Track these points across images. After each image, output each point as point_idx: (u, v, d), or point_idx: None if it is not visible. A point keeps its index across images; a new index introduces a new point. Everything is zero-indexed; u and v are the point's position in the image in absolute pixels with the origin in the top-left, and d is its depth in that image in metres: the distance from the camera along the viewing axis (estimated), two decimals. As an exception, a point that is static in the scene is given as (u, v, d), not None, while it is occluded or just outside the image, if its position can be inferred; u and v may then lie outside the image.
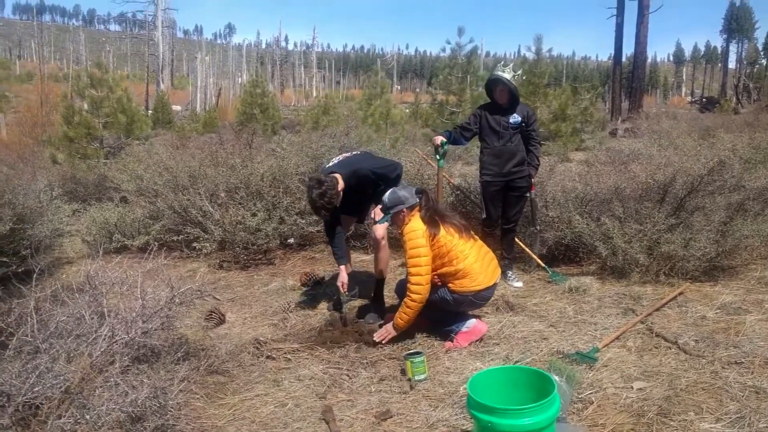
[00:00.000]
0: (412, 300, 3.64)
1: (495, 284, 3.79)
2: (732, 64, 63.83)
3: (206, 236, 5.78)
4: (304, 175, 6.25)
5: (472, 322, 3.69)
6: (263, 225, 5.77)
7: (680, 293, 4.33)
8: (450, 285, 3.70)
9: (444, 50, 16.54)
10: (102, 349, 2.86)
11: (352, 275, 4.49)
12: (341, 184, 4.06)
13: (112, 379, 2.76)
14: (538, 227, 5.00)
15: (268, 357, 3.61)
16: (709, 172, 4.58)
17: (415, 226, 3.67)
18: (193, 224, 5.98)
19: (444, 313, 3.77)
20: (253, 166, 6.30)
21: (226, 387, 3.27)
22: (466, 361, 3.47)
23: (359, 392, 3.18)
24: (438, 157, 4.71)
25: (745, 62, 55.47)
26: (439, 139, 4.65)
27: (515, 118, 4.69)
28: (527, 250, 5.01)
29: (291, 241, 6.30)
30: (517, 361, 3.40)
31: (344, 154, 4.40)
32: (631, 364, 3.33)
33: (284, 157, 6.61)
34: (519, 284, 4.75)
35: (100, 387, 2.72)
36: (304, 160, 6.54)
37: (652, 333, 3.71)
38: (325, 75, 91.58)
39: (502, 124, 4.69)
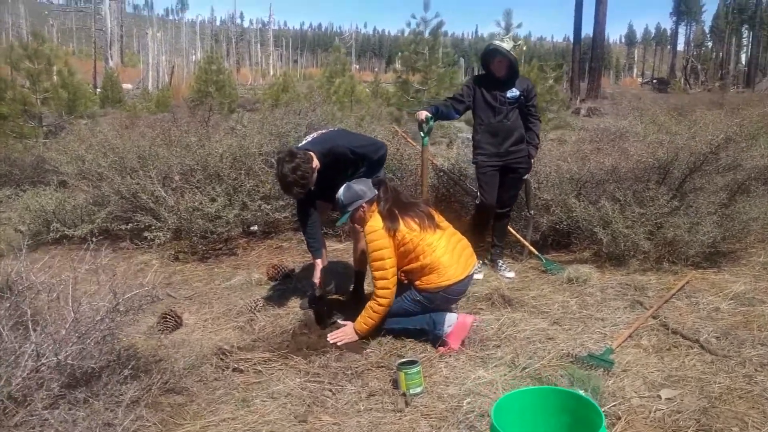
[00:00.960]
0: (379, 304, 3.24)
1: (469, 276, 3.37)
2: (680, 47, 65.43)
3: (159, 225, 5.13)
4: (269, 155, 5.65)
5: (452, 318, 3.25)
6: (223, 211, 5.16)
7: (686, 282, 3.99)
8: (417, 283, 3.29)
9: (408, 26, 15.90)
10: (24, 375, 2.27)
11: (326, 267, 3.97)
12: (316, 162, 3.52)
13: (37, 414, 2.18)
14: (532, 212, 4.57)
15: (234, 369, 3.07)
16: (715, 150, 4.22)
17: (375, 224, 3.25)
18: (143, 211, 5.32)
19: (417, 318, 3.32)
20: (211, 146, 5.65)
21: (185, 409, 2.72)
22: (465, 368, 3.02)
23: (346, 412, 2.68)
24: (423, 134, 4.20)
25: (692, 44, 56.72)
26: (424, 114, 4.14)
27: (513, 92, 4.21)
28: (519, 237, 4.58)
29: (255, 228, 5.71)
30: (525, 368, 2.97)
31: (318, 132, 3.85)
32: (653, 368, 2.94)
33: (245, 135, 5.98)
34: (511, 275, 4.33)
35: (22, 425, 2.14)
36: (267, 139, 5.92)
37: (667, 329, 3.35)
38: (282, 53, 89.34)
39: (499, 99, 4.21)
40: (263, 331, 3.62)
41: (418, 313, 3.34)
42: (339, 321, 3.54)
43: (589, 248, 4.78)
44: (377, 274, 3.24)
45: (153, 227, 5.12)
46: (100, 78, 31.58)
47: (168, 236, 5.13)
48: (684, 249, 4.26)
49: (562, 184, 4.61)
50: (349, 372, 3.01)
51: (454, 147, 9.65)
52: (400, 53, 17.63)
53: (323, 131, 3.84)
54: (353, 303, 3.90)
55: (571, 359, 3.05)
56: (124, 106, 23.49)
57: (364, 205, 3.32)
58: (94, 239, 3.78)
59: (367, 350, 3.27)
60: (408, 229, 3.23)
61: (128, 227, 5.32)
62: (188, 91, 24.24)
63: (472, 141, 4.40)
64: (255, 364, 3.13)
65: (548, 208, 4.67)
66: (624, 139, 5.88)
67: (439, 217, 3.45)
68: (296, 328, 3.60)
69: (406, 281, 3.38)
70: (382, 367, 3.08)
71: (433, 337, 3.27)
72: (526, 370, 2.96)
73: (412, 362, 2.85)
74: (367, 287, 4.06)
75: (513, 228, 4.67)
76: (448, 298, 3.33)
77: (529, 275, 4.35)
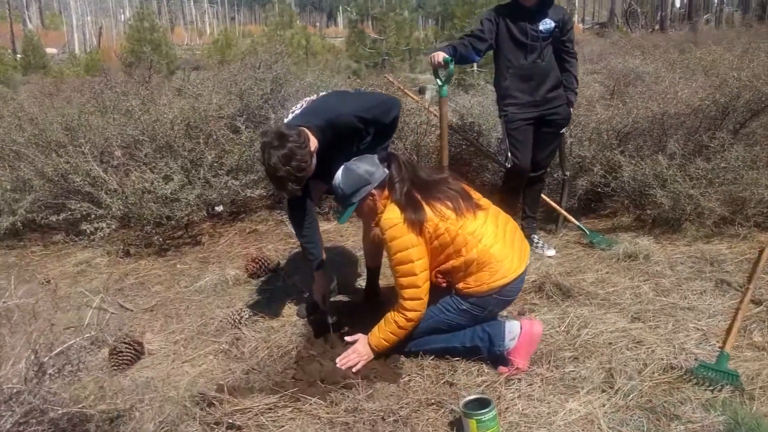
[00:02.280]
0: (407, 319, 2.42)
1: (526, 269, 2.53)
2: (619, -10, 65.32)
3: (100, 213, 4.07)
4: (233, 118, 4.61)
5: (514, 328, 2.43)
6: (181, 192, 4.13)
7: (765, 249, 3.30)
8: (461, 286, 2.44)
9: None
10: None
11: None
12: (314, 142, 2.58)
13: None
14: (567, 173, 3.76)
15: (229, 427, 2.18)
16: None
17: (393, 217, 2.37)
18: (79, 196, 4.24)
19: (466, 333, 2.50)
20: (158, 110, 4.56)
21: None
22: (546, 397, 2.23)
23: (404, 490, 1.85)
24: (440, 82, 3.28)
25: (630, -13, 56.56)
26: (441, 55, 3.20)
27: (548, 23, 3.32)
28: (555, 205, 3.77)
29: (220, 209, 4.71)
30: (627, 393, 2.19)
31: (307, 99, 2.86)
32: (792, 379, 2.22)
33: (199, 95, 4.89)
34: (552, 252, 3.54)
35: None
36: (228, 99, 4.86)
37: (779, 318, 2.64)
38: (218, 10, 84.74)
39: (530, 34, 3.31)
40: (256, 356, 2.72)
41: (466, 326, 2.51)
42: (347, 338, 2.64)
43: (628, 212, 4.04)
44: (404, 281, 2.39)
45: (92, 216, 4.06)
46: (19, 42, 28.71)
47: (113, 226, 4.09)
48: (747, 209, 3.56)
49: (601, 136, 3.81)
50: (391, 418, 2.17)
51: (426, 96, 8.73)
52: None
53: (313, 98, 2.86)
54: (366, 307, 3.03)
55: (682, 373, 2.30)
56: (50, 71, 21.31)
57: (373, 192, 2.43)
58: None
59: (404, 378, 2.43)
60: (439, 217, 2.36)
61: (61, 218, 4.23)
62: (121, 53, 22.19)
63: (497, 89, 3.51)
64: (256, 414, 2.24)
65: (583, 167, 3.87)
66: (641, 82, 5.12)
67: (476, 194, 2.59)
68: (301, 349, 2.71)
69: (444, 284, 2.52)
70: (433, 404, 2.25)
71: (491, 355, 2.46)
72: (630, 396, 2.18)
73: (483, 402, 2.04)
74: (382, 280, 3.19)
75: (544, 194, 3.85)
76: (503, 300, 2.51)
77: (572, 252, 3.57)
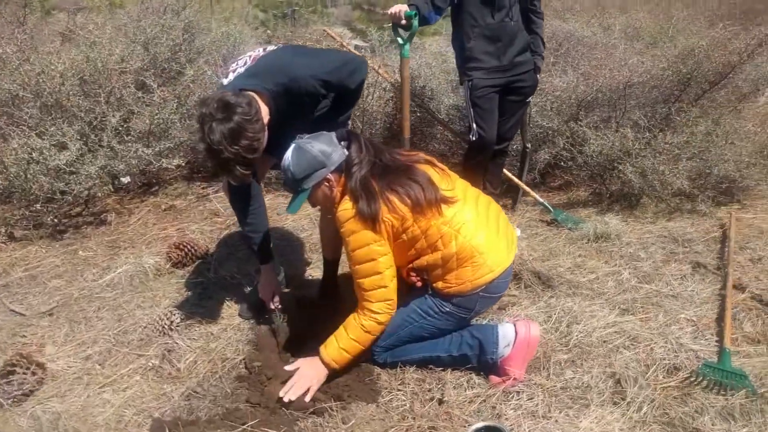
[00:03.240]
0: (378, 321, 2.04)
1: (514, 260, 2.23)
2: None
3: (-29, 188, 3.28)
4: (141, 73, 3.86)
5: (508, 332, 2.12)
6: (80, 163, 3.41)
7: (728, 229, 3.23)
8: (440, 285, 2.08)
9: None
10: None
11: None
12: (265, 112, 2.06)
13: None
14: (528, 145, 3.46)
15: (176, 485, 1.70)
16: (750, 55, 3.37)
17: (350, 208, 1.98)
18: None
19: (452, 340, 2.17)
20: (43, 61, 3.71)
21: None
22: (554, 414, 1.95)
23: None
24: (401, 40, 2.81)
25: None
26: (402, 9, 2.74)
27: None
28: (517, 181, 3.48)
29: (126, 180, 4.00)
30: (640, 405, 1.96)
31: (250, 55, 2.29)
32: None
33: (94, 43, 4.05)
34: (518, 232, 3.26)
35: None
36: (131, 49, 4.08)
37: (763, 303, 2.53)
38: (99, -55, 76.51)
39: None
40: (196, 373, 2.23)
41: (450, 331, 2.16)
42: (286, 367, 2.15)
43: (584, 186, 3.86)
44: (367, 282, 2.01)
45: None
46: None
47: (-10, 205, 3.32)
48: (708, 185, 3.49)
49: (564, 106, 3.54)
50: (382, 453, 1.79)
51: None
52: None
53: (259, 53, 2.29)
54: (323, 305, 2.60)
55: (688, 374, 2.11)
56: None
57: (329, 177, 2.01)
58: None
59: (384, 397, 2.05)
60: (393, 213, 1.96)
61: None
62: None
63: (459, 51, 3.10)
64: (209, 460, 1.77)
65: (545, 139, 3.60)
66: (584, 47, 4.91)
67: (452, 174, 2.21)
68: (247, 359, 2.25)
69: (420, 284, 2.14)
70: (430, 430, 1.89)
71: (482, 364, 2.14)
72: (644, 410, 1.95)
73: (494, 430, 1.71)
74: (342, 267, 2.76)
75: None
76: (490, 298, 2.18)
77: (538, 232, 3.31)
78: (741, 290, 2.64)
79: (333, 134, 2.09)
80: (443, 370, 2.16)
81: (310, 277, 2.94)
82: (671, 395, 2.03)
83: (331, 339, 2.07)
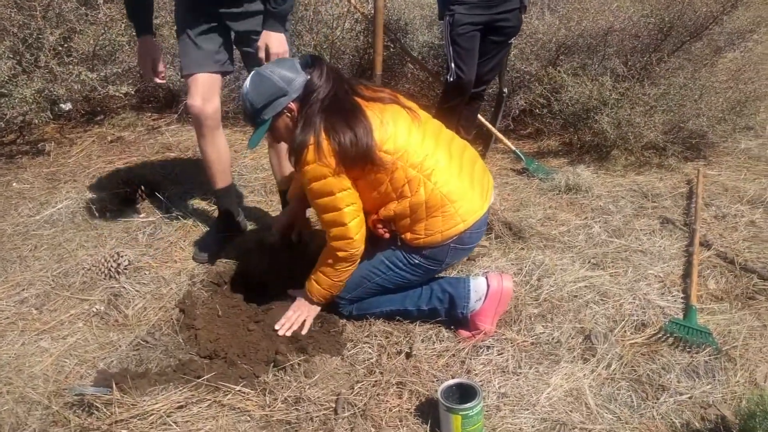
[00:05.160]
0: (347, 260, 1.93)
1: (489, 207, 2.12)
2: None
3: None
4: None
5: (480, 286, 2.03)
6: (13, 85, 3.07)
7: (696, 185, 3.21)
8: (408, 236, 1.95)
9: None
10: None
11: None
12: None
13: None
14: (505, 90, 3.31)
15: (124, 442, 1.57)
16: (734, 5, 3.27)
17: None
18: None
19: (422, 293, 2.07)
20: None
21: None
22: (523, 368, 1.90)
23: None
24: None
25: None
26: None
27: None
28: (491, 127, 3.34)
29: (67, 107, 3.66)
30: (609, 362, 1.93)
31: None
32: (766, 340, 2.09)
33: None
34: (487, 181, 3.16)
35: None
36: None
37: (728, 261, 2.53)
38: None
39: None
40: (146, 320, 2.07)
41: (419, 283, 2.06)
42: (290, 292, 2.10)
43: (555, 135, 3.76)
44: (327, 218, 1.88)
45: None
46: None
47: None
48: (679, 139, 3.45)
49: (543, 50, 3.38)
50: (346, 412, 1.70)
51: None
52: None
53: None
54: (285, 244, 2.43)
55: (656, 331, 2.09)
56: None
57: (291, 105, 1.83)
58: None
59: (350, 350, 1.96)
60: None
61: None
62: None
63: (441, -15, 2.88)
64: (161, 417, 1.64)
65: (520, 84, 3.45)
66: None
67: (422, 114, 2.05)
68: (195, 303, 2.10)
69: (387, 235, 2.01)
70: (394, 386, 1.81)
71: (452, 317, 2.06)
72: (613, 367, 1.92)
73: (467, 390, 1.64)
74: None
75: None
76: (463, 250, 2.07)
77: (509, 181, 3.21)
78: (706, 247, 2.63)
79: (296, 60, 1.90)
80: (411, 323, 2.07)
81: (265, 218, 2.77)
82: (639, 352, 2.00)
83: (312, 275, 1.99)
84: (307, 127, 1.78)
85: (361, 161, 1.79)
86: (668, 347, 2.03)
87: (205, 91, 2.26)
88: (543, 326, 2.10)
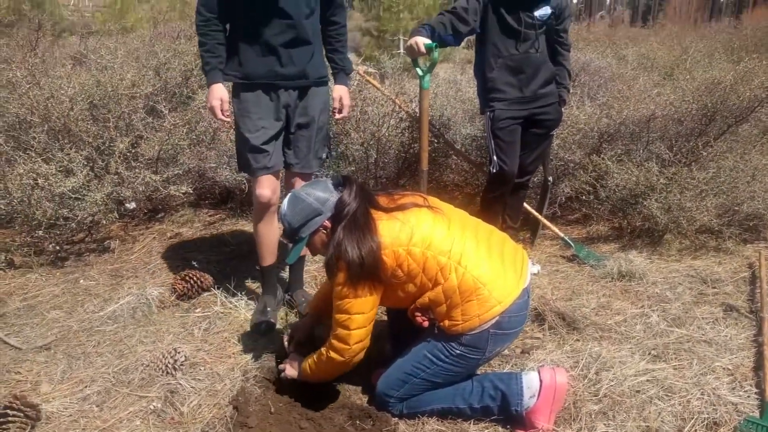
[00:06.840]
0: (334, 354, 2.00)
1: (528, 286, 2.08)
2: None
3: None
4: (151, 98, 3.79)
5: (533, 382, 1.97)
6: (87, 189, 3.31)
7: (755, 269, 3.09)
8: (447, 323, 1.94)
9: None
10: None
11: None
12: None
13: None
14: (550, 178, 3.35)
15: None
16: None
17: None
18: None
19: (472, 389, 2.04)
20: (53, 85, 3.65)
21: None
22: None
23: None
24: (420, 72, 2.74)
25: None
26: (422, 42, 2.66)
27: (545, 9, 2.87)
28: (538, 215, 3.36)
29: (132, 206, 3.89)
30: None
31: None
32: None
33: (107, 67, 4.01)
34: (537, 269, 3.13)
35: None
36: (142, 74, 4.01)
37: (802, 353, 2.38)
38: (113, -29, 78.04)
39: (524, 21, 2.84)
40: (200, 419, 2.08)
41: (466, 374, 2.03)
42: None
43: (604, 221, 3.73)
44: (338, 331, 1.99)
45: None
46: None
47: (-8, 231, 3.21)
48: (735, 222, 3.36)
49: (586, 138, 3.44)
50: None
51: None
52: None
53: None
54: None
55: (730, 431, 1.96)
56: None
57: (326, 223, 1.96)
58: None
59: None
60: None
61: None
62: (-4, 9, 19.51)
63: (481, 81, 3.02)
64: None
65: (565, 171, 3.49)
66: (600, 77, 4.84)
67: (445, 206, 2.09)
68: (248, 400, 2.10)
69: (426, 323, 2.01)
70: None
71: (506, 414, 1.99)
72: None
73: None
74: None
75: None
76: (504, 335, 2.02)
77: (559, 269, 3.18)
78: (775, 335, 2.49)
79: (329, 180, 2.04)
80: (465, 421, 2.01)
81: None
82: (715, 455, 1.87)
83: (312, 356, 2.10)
84: (330, 245, 1.93)
85: (368, 277, 1.89)
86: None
87: (272, 183, 2.56)
88: (605, 424, 2.00)
